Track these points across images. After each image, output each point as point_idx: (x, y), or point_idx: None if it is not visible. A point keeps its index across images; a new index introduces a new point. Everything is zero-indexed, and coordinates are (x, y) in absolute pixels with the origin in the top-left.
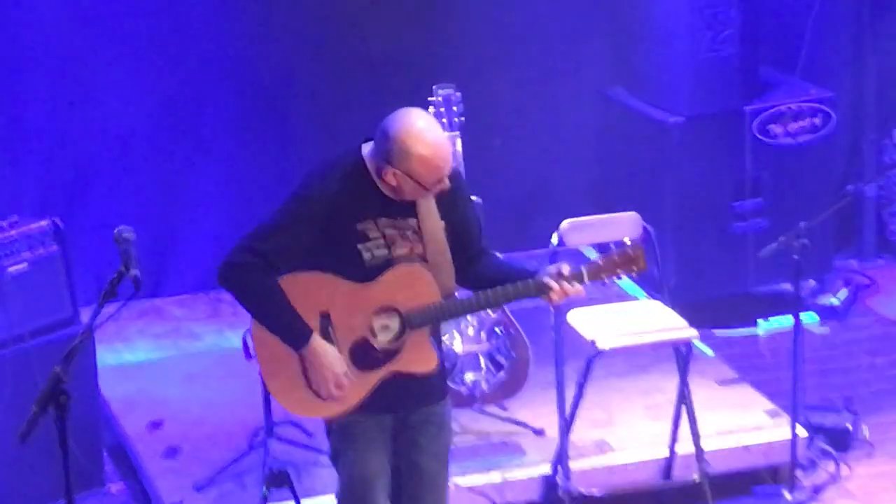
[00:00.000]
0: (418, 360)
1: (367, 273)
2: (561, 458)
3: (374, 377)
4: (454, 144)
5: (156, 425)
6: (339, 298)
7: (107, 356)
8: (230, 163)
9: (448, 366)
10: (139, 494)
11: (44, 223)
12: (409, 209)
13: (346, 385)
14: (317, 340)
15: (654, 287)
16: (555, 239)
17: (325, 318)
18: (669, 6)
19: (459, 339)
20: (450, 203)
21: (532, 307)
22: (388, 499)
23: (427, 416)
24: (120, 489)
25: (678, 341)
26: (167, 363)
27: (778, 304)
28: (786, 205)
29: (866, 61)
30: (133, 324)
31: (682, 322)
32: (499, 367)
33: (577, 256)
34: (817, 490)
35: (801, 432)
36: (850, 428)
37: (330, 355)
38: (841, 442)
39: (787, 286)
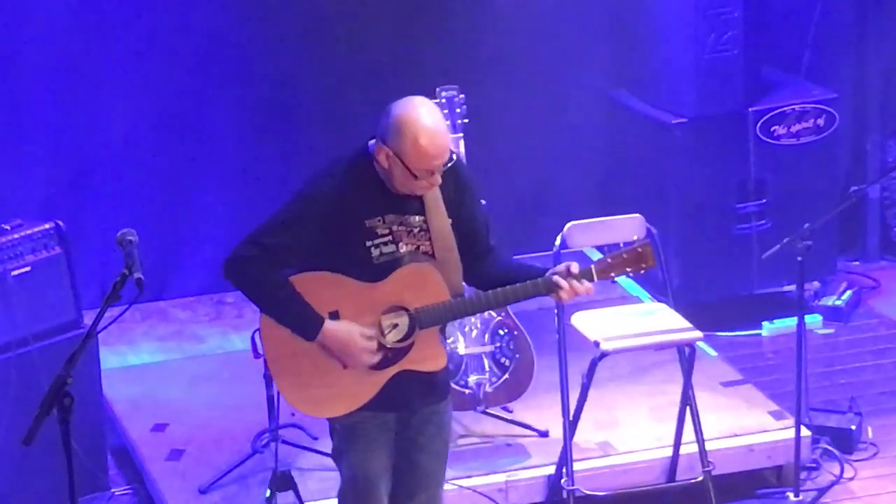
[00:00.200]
0: (428, 358)
1: (375, 270)
2: (565, 460)
3: (384, 376)
4: (457, 146)
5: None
6: (348, 298)
7: (111, 359)
8: (234, 165)
9: (451, 367)
10: (143, 497)
11: (47, 226)
12: (417, 206)
13: (376, 348)
14: (329, 324)
15: (658, 289)
16: (558, 241)
17: (334, 316)
18: (673, 8)
19: (463, 340)
20: (457, 200)
21: (535, 309)
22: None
23: (429, 416)
24: (124, 492)
25: (682, 343)
26: (171, 366)
27: (782, 306)
28: (789, 206)
29: (870, 62)
30: (137, 326)
31: (686, 324)
32: (503, 368)
33: (581, 258)
34: (822, 491)
35: (805, 433)
36: (854, 429)
37: (346, 331)
38: (845, 443)
39: (790, 288)
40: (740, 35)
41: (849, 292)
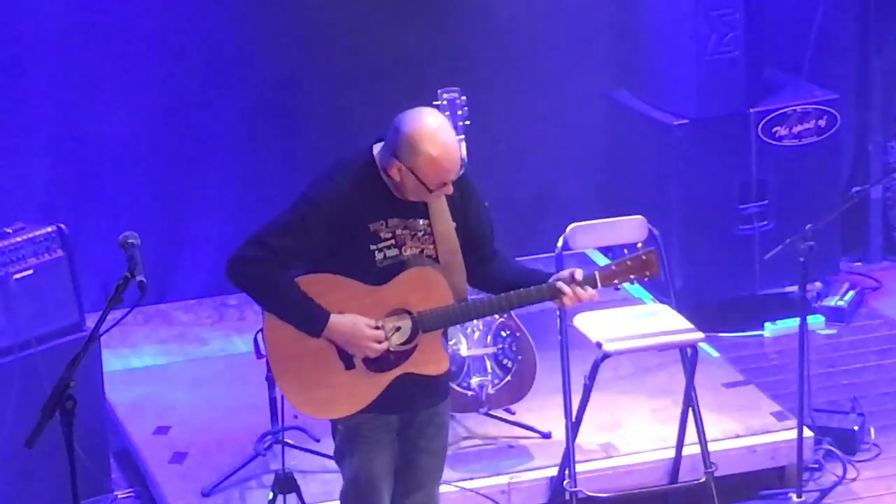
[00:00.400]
0: (431, 361)
1: (378, 274)
2: (567, 461)
3: (387, 378)
4: (459, 148)
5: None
6: (351, 300)
7: (113, 361)
8: (235, 167)
9: (454, 369)
10: (146, 500)
11: (49, 229)
12: (421, 209)
13: (384, 337)
14: (335, 318)
15: (660, 290)
16: (561, 242)
17: None
18: (674, 9)
19: (465, 342)
20: (461, 204)
21: (538, 311)
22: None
23: (430, 417)
24: (126, 495)
25: (684, 344)
26: (173, 368)
27: (784, 307)
28: (791, 207)
29: (871, 63)
30: (139, 329)
31: (689, 325)
32: (505, 370)
33: (583, 259)
34: (824, 492)
35: (808, 434)
36: (857, 430)
37: (350, 322)
38: (848, 444)
39: (793, 288)
40: (742, 36)
41: (851, 293)
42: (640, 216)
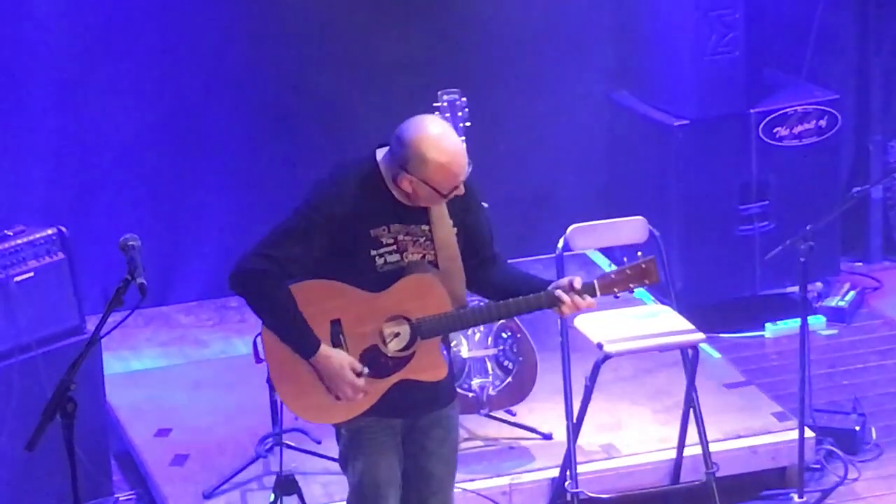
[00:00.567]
0: (428, 368)
1: (379, 280)
2: (569, 462)
3: (384, 384)
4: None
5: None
6: (350, 306)
7: (114, 364)
8: (236, 170)
9: (455, 371)
10: (147, 502)
11: (49, 231)
12: (422, 215)
13: (363, 386)
14: (324, 350)
15: (660, 291)
16: (561, 243)
17: (336, 324)
18: (674, 9)
19: (466, 344)
20: (462, 208)
21: (538, 312)
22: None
23: (435, 420)
24: (128, 497)
25: (685, 345)
26: (174, 371)
27: (785, 307)
28: (792, 207)
29: (871, 63)
30: (140, 331)
31: (689, 325)
32: (506, 371)
33: (583, 261)
34: (826, 493)
35: (809, 435)
36: (858, 430)
37: (337, 362)
38: (849, 444)
39: (793, 289)
40: (742, 36)
41: (852, 293)
42: (640, 217)
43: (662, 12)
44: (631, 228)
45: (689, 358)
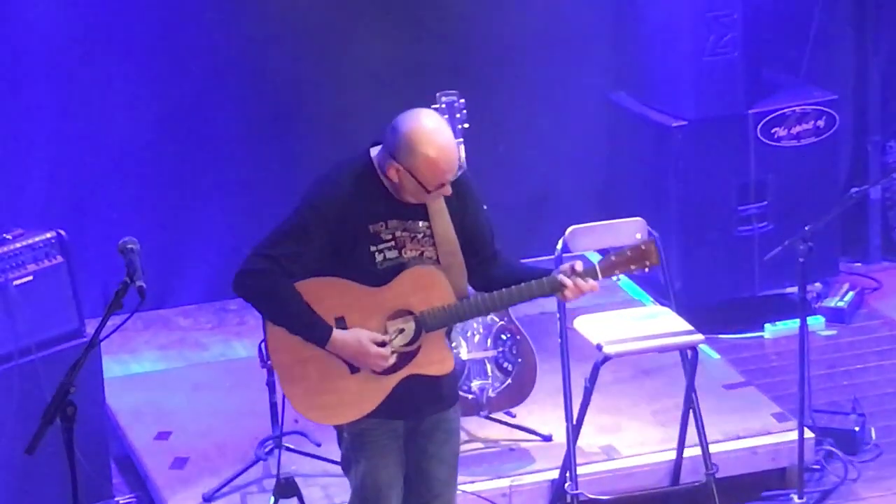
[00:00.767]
0: (435, 361)
1: (379, 276)
2: (569, 464)
3: (392, 381)
4: (458, 151)
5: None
6: (353, 303)
7: (113, 367)
8: (235, 172)
9: (455, 372)
10: None
11: (48, 235)
12: (421, 211)
13: (388, 354)
14: (337, 334)
15: (660, 292)
16: (560, 245)
17: (341, 322)
18: (672, 10)
19: (465, 345)
20: (461, 206)
21: (537, 313)
22: None
23: (437, 423)
24: (128, 500)
25: (684, 346)
26: (174, 374)
27: (784, 308)
28: (790, 208)
29: (870, 63)
30: (139, 335)
31: (689, 327)
32: (506, 373)
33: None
34: (826, 493)
35: (809, 435)
36: (858, 430)
37: (354, 339)
38: (849, 444)
39: (792, 289)
40: (740, 37)
41: (851, 293)
42: (639, 218)
43: (660, 13)
44: (630, 229)
45: (689, 359)
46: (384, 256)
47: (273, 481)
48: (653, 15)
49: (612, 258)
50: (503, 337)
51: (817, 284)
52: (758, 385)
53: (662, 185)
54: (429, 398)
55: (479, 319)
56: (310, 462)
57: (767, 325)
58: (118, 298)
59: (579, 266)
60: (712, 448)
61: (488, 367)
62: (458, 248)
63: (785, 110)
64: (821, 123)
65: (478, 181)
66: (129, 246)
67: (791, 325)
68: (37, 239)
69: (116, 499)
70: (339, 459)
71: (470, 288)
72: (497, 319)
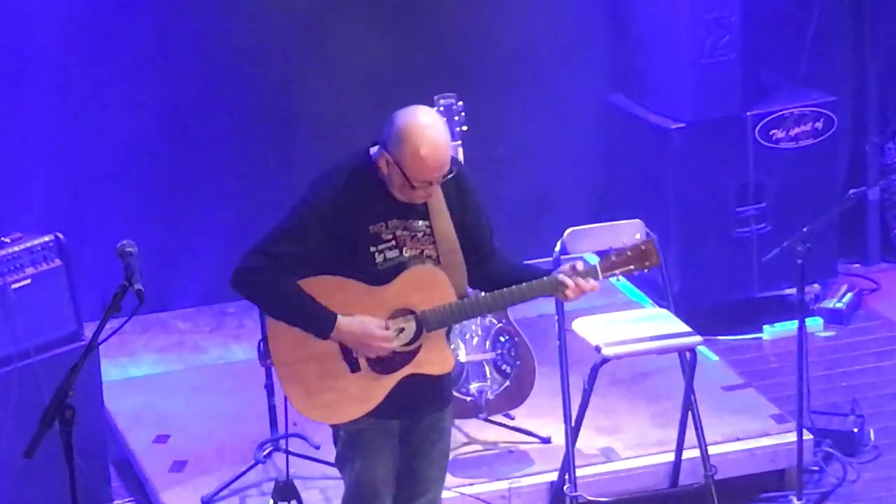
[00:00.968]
0: (435, 360)
1: (380, 276)
2: (568, 466)
3: (392, 380)
4: (456, 153)
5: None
6: (354, 302)
7: (112, 370)
8: (233, 175)
9: (453, 375)
10: None
11: (47, 238)
12: (421, 210)
13: (392, 338)
14: (342, 320)
15: (658, 293)
16: (558, 247)
17: None
18: (670, 12)
19: (464, 348)
20: (460, 205)
21: (536, 315)
22: None
23: (433, 423)
24: None
25: (683, 348)
26: (172, 377)
27: (782, 309)
28: (789, 209)
29: (868, 64)
30: (138, 338)
31: (687, 328)
32: (504, 375)
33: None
34: (825, 495)
35: (808, 437)
36: (857, 432)
37: (360, 322)
38: (847, 446)
39: (791, 291)
40: (738, 39)
41: (849, 295)
42: (637, 220)
43: (659, 15)
44: (628, 231)
45: (687, 361)
46: (384, 257)
47: (272, 484)
48: (651, 17)
49: (613, 258)
50: (502, 339)
51: (816, 286)
52: (756, 386)
53: (661, 187)
54: (427, 398)
55: (478, 321)
56: (309, 465)
57: (766, 327)
58: (116, 302)
59: (580, 266)
60: (711, 450)
61: (487, 369)
62: (458, 246)
63: (783, 112)
64: (819, 125)
65: (477, 183)
66: (128, 249)
67: (790, 327)
68: (35, 242)
69: (115, 502)
70: (335, 458)
71: (469, 288)
72: (495, 321)
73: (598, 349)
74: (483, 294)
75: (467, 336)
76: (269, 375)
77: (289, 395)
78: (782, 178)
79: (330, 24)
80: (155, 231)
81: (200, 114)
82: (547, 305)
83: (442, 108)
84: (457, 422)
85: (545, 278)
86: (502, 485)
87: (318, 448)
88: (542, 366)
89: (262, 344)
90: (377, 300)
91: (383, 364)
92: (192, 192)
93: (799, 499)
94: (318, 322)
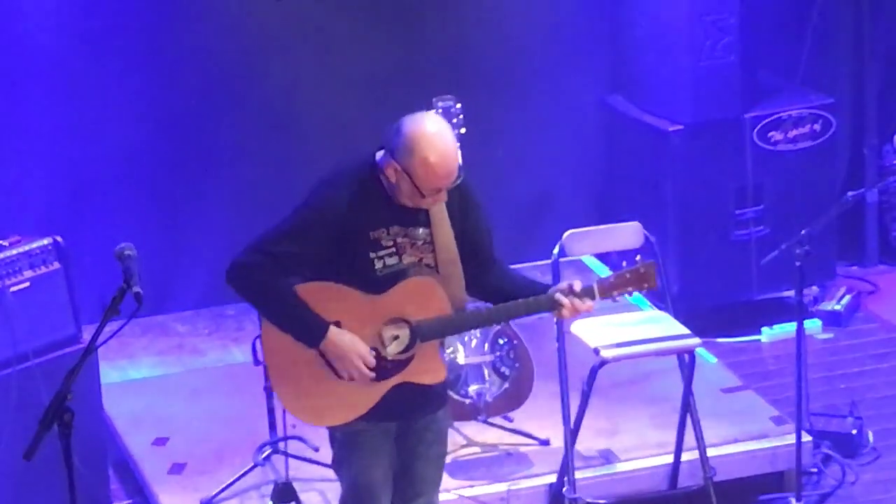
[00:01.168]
0: (428, 370)
1: (377, 282)
2: (566, 468)
3: (383, 387)
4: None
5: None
6: (350, 308)
7: (111, 373)
8: (232, 177)
9: (451, 377)
10: None
11: (45, 241)
12: (423, 218)
13: (373, 363)
14: (334, 331)
15: (657, 296)
16: (557, 249)
17: (337, 326)
18: (669, 14)
19: (463, 350)
20: (462, 212)
21: (535, 317)
22: None
23: (429, 424)
24: None
25: (681, 350)
26: (171, 379)
27: (781, 311)
28: (787, 212)
29: (866, 66)
30: (137, 340)
31: (686, 331)
32: (503, 377)
33: (579, 266)
34: (824, 496)
35: (807, 438)
36: (855, 433)
37: (349, 340)
38: (846, 448)
39: (789, 293)
40: (736, 41)
41: (848, 297)
42: (636, 222)
43: (657, 17)
44: (626, 233)
45: (686, 363)
46: (384, 263)
47: (271, 486)
48: (649, 19)
49: (611, 280)
50: (500, 341)
51: (814, 288)
52: (755, 389)
53: (659, 190)
54: (420, 402)
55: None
56: (308, 467)
57: (765, 329)
58: (115, 304)
59: (577, 286)
60: (710, 452)
61: (486, 371)
62: (457, 257)
63: (782, 114)
64: (817, 127)
65: (475, 185)
66: (127, 252)
67: (788, 329)
68: (34, 245)
69: None
70: (331, 460)
71: (469, 298)
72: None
73: (596, 351)
74: (478, 309)
75: (466, 338)
76: (267, 378)
77: (279, 395)
78: (781, 181)
79: (329, 26)
80: (154, 234)
81: (199, 117)
82: None
83: (440, 111)
84: (455, 424)
85: (542, 296)
86: (501, 487)
87: (317, 450)
88: (541, 368)
89: (256, 343)
90: (373, 308)
91: (376, 371)
92: (190, 194)
93: (798, 500)
94: (309, 329)
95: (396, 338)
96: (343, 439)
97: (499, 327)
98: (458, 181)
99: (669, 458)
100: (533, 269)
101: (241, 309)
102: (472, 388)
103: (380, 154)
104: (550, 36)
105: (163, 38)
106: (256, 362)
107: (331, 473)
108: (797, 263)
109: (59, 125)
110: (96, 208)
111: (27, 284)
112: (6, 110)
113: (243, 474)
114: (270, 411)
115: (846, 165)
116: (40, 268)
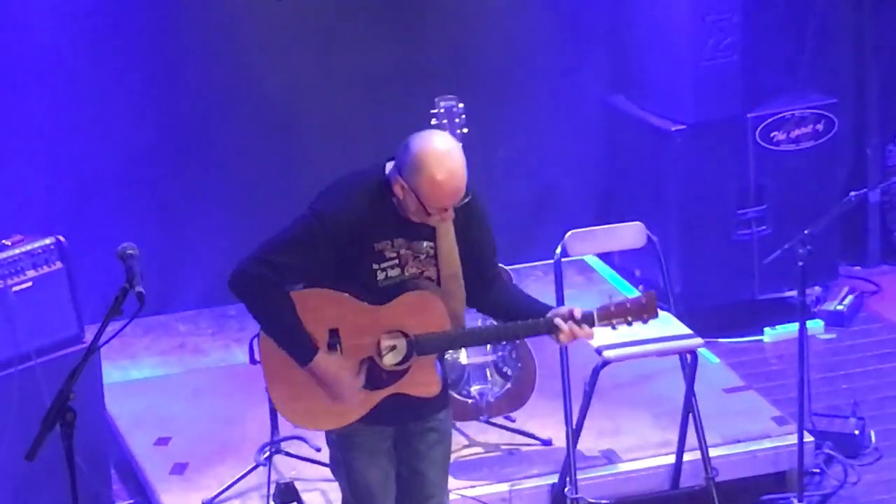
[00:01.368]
0: (422, 384)
1: (379, 293)
2: (568, 468)
3: (377, 396)
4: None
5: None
6: (349, 317)
7: (113, 373)
8: (234, 178)
9: (454, 377)
10: None
11: (48, 241)
12: (427, 231)
13: (358, 394)
14: (321, 357)
15: (659, 296)
16: (559, 249)
17: (334, 334)
18: (671, 14)
19: (465, 350)
20: (467, 225)
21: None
22: None
23: (431, 425)
24: None
25: (684, 350)
26: (173, 379)
27: (783, 311)
28: (790, 211)
29: (869, 66)
30: (139, 340)
31: (688, 331)
32: (505, 377)
33: (581, 266)
34: (826, 497)
35: (809, 439)
36: (857, 434)
37: (335, 370)
38: (848, 448)
39: (792, 293)
40: (738, 41)
41: (850, 297)
42: (638, 222)
43: (659, 17)
44: (629, 233)
45: (688, 363)
46: (386, 275)
47: (273, 487)
48: (651, 18)
49: (611, 308)
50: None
51: (817, 288)
52: (757, 389)
53: (661, 189)
54: (413, 410)
55: (479, 322)
56: (309, 467)
57: (767, 329)
58: (118, 304)
59: (578, 313)
60: (712, 452)
61: (488, 371)
62: (459, 272)
63: (784, 114)
64: (820, 127)
65: (477, 186)
66: (129, 251)
67: (790, 329)
68: (36, 245)
69: None
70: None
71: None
72: (496, 324)
73: (599, 351)
74: (477, 327)
75: None
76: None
77: (272, 397)
78: (783, 181)
79: (329, 26)
80: (156, 233)
81: (201, 117)
82: None
83: (442, 111)
84: (458, 424)
85: (541, 319)
86: (503, 487)
87: (318, 450)
88: (543, 368)
89: (253, 343)
90: (372, 319)
91: (370, 380)
92: (192, 194)
93: (800, 501)
94: (299, 349)
95: (393, 348)
96: (339, 441)
97: None
98: (466, 200)
99: (671, 459)
100: (535, 269)
101: (243, 309)
102: (475, 388)
103: (389, 166)
104: (552, 36)
105: (163, 38)
106: (253, 361)
107: (331, 473)
108: (799, 263)
109: (61, 125)
110: (98, 208)
111: (29, 284)
112: (8, 110)
113: (245, 474)
114: (272, 411)
115: (849, 165)
116: (42, 267)
